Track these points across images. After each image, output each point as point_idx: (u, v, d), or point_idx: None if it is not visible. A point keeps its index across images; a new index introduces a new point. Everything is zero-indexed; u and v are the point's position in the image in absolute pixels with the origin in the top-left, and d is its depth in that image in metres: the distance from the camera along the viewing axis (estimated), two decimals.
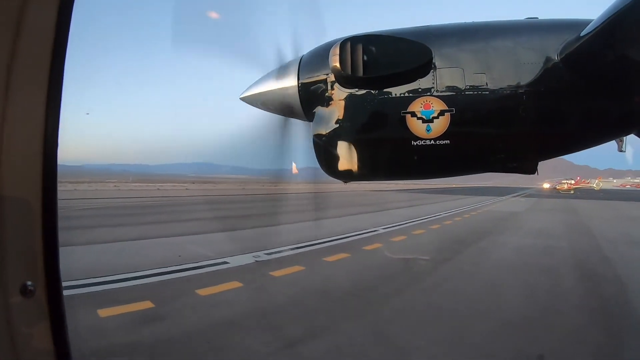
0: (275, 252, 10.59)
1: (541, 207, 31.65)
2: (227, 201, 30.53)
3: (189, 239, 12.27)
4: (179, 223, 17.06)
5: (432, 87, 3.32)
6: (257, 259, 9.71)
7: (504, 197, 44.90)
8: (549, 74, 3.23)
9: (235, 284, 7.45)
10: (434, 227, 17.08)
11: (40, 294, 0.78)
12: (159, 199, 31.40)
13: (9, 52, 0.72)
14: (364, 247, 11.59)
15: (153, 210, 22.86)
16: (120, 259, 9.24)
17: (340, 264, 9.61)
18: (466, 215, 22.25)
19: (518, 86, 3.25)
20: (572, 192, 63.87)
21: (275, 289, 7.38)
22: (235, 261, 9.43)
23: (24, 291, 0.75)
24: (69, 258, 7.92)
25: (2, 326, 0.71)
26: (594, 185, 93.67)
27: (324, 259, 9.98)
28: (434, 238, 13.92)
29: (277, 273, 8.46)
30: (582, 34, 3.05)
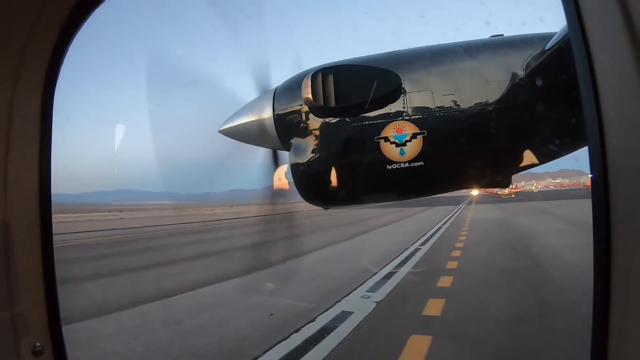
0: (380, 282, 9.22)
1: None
2: (208, 230, 27.80)
3: (239, 284, 9.79)
4: (197, 263, 13.86)
5: (404, 112, 3.51)
6: (375, 301, 7.74)
7: (457, 206, 45.23)
8: (516, 89, 3.46)
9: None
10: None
11: (48, 354, 0.86)
12: (120, 233, 26.86)
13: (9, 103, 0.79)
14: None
15: (136, 246, 19.36)
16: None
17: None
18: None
19: (487, 104, 3.46)
20: (513, 195, 65.94)
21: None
22: (355, 306, 7.46)
23: (34, 351, 0.83)
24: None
25: None
26: (533, 187, 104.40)
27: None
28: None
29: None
30: (547, 47, 3.29)
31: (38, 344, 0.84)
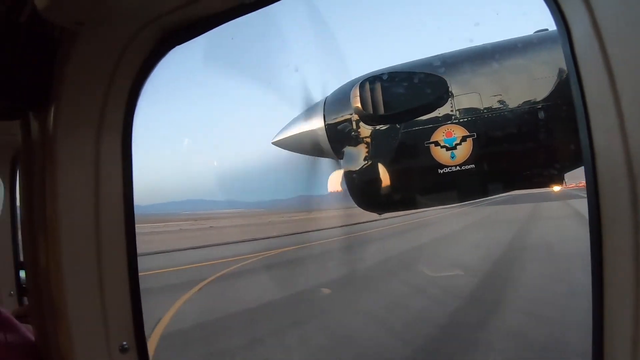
0: None
1: None
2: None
3: None
4: None
5: (452, 115, 3.68)
6: None
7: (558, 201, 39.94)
8: (565, 85, 3.51)
9: None
10: None
11: (133, 351, 0.95)
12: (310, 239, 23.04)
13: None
14: None
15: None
16: None
17: None
18: None
19: (536, 102, 3.55)
20: None
21: None
22: None
23: (121, 349, 0.92)
24: None
25: None
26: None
27: None
28: None
29: None
30: None
31: (125, 343, 0.93)
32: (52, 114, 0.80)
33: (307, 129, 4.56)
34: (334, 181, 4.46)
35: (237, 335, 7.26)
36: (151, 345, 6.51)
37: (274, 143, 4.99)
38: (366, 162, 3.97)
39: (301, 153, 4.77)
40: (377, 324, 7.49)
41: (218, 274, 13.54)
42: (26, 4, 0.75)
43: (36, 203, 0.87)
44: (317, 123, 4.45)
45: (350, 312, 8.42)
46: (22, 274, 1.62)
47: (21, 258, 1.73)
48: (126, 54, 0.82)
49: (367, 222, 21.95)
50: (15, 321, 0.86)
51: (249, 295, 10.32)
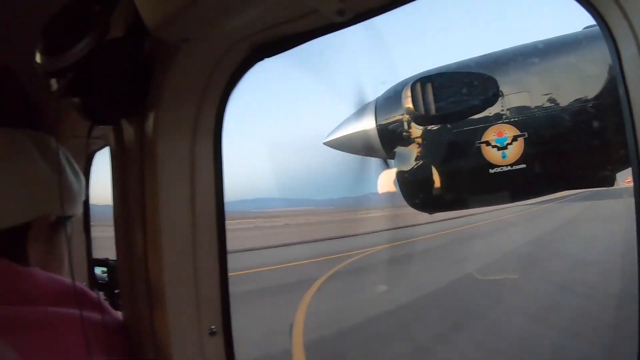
0: None
1: None
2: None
3: None
4: None
5: (503, 114, 3.71)
6: None
7: None
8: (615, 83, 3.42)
9: None
10: None
11: (220, 334, 1.02)
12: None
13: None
14: None
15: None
16: None
17: None
18: None
19: (587, 100, 3.50)
20: None
21: None
22: None
23: (210, 332, 0.99)
24: None
25: (197, 359, 0.98)
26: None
27: None
28: None
29: None
30: None
31: (213, 327, 0.99)
32: (150, 119, 0.89)
33: (358, 130, 4.71)
34: (384, 181, 4.59)
35: (401, 341, 6.47)
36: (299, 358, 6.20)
37: (325, 143, 5.18)
38: (417, 162, 4.08)
39: (353, 153, 4.93)
40: (541, 322, 6.82)
41: (329, 273, 12.57)
42: (136, 23, 0.83)
43: (132, 200, 0.96)
44: (368, 124, 4.59)
45: (504, 310, 7.52)
46: (98, 270, 1.68)
47: (95, 255, 1.81)
48: (218, 67, 0.91)
49: (459, 217, 21.19)
50: (108, 305, 0.94)
51: (378, 294, 9.51)
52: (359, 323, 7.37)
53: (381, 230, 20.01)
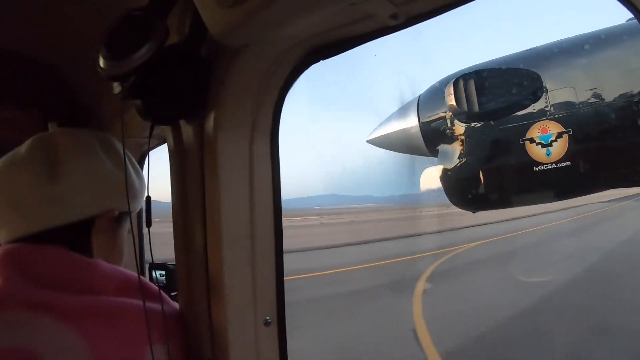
0: None
1: None
2: None
3: None
4: None
5: (547, 111, 3.64)
6: None
7: None
8: None
9: None
10: None
11: (273, 326, 1.04)
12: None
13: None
14: None
15: None
16: None
17: None
18: None
19: (632, 95, 3.38)
20: None
21: None
22: None
23: (265, 323, 1.02)
24: None
25: (252, 348, 1.01)
26: None
27: None
28: None
29: None
30: None
31: (268, 317, 1.02)
32: (210, 119, 0.93)
33: (401, 128, 4.74)
34: (428, 178, 4.61)
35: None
36: None
37: (368, 141, 5.24)
38: (460, 159, 4.09)
39: (396, 151, 4.97)
40: None
41: (426, 272, 11.50)
42: (195, 28, 0.89)
43: (192, 195, 1.00)
44: (411, 121, 4.62)
45: None
46: (156, 273, 1.71)
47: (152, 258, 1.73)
48: (275, 69, 0.94)
49: (544, 213, 19.93)
50: (166, 295, 0.99)
51: (501, 294, 8.32)
52: (500, 326, 6.51)
53: (457, 229, 19.38)
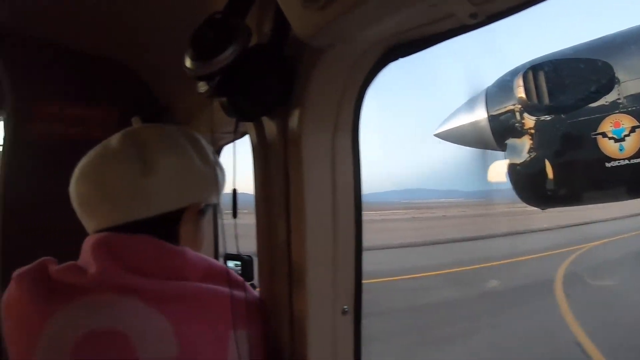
0: None
1: None
2: None
3: None
4: None
5: (620, 103, 3.48)
6: None
7: None
8: None
9: None
10: None
11: (350, 315, 1.07)
12: None
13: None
14: None
15: None
16: None
17: None
18: None
19: None
20: None
21: None
22: None
23: (343, 312, 1.05)
24: None
25: (329, 335, 1.04)
26: None
27: None
28: None
29: None
30: None
31: (345, 307, 1.05)
32: (294, 116, 0.96)
33: (469, 121, 4.71)
34: (495, 172, 4.55)
35: None
36: None
37: (436, 135, 5.24)
38: (530, 154, 4.02)
39: (464, 145, 4.94)
40: None
41: (558, 274, 10.27)
42: (278, 29, 0.94)
43: (275, 189, 1.04)
44: (479, 114, 4.57)
45: None
46: (231, 264, 1.73)
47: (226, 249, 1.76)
48: (356, 67, 0.96)
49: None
50: (248, 285, 1.03)
51: None
52: None
53: (564, 227, 17.67)
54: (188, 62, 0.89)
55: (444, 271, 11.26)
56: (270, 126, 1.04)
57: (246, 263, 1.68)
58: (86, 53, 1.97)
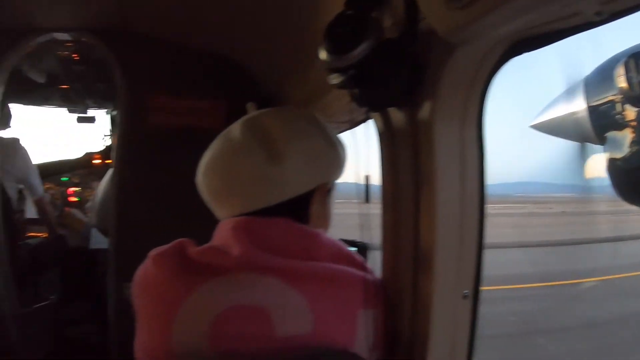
0: None
1: None
2: None
3: None
4: None
5: None
6: None
7: None
8: None
9: None
10: None
11: (470, 300, 1.08)
12: None
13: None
14: None
15: None
16: None
17: None
18: None
19: None
20: None
21: None
22: None
23: (464, 296, 1.07)
24: None
25: (450, 319, 1.06)
26: None
27: None
28: None
29: None
30: None
31: (466, 291, 1.07)
32: (424, 108, 0.99)
33: (566, 112, 4.51)
34: (593, 167, 4.32)
35: None
36: None
37: (532, 126, 5.06)
38: (632, 148, 3.80)
39: (562, 137, 4.73)
40: None
41: None
42: (409, 25, 0.98)
43: (403, 178, 1.09)
44: (577, 105, 4.37)
45: None
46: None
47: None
48: (483, 62, 0.98)
49: None
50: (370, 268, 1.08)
51: None
52: None
53: None
54: (324, 55, 0.94)
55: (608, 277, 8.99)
56: (397, 116, 1.08)
57: (360, 249, 1.66)
58: (193, 49, 2.12)
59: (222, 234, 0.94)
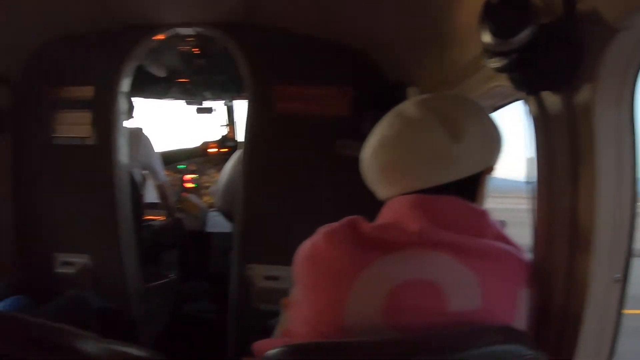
0: None
1: None
2: None
3: None
4: None
5: None
6: None
7: None
8: None
9: None
10: None
11: (619, 284, 1.05)
12: None
13: None
14: None
15: None
16: None
17: None
18: None
19: None
20: None
21: None
22: None
23: (616, 280, 1.04)
24: None
25: (602, 302, 1.03)
26: None
27: None
28: None
29: None
30: None
31: (617, 275, 1.05)
32: (583, 93, 0.97)
33: None
34: None
35: None
36: None
37: None
38: None
39: None
40: None
41: None
42: (570, 12, 0.97)
43: (560, 161, 1.08)
44: None
45: None
46: None
47: None
48: (637, 47, 0.96)
49: None
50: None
51: None
52: None
53: None
54: (487, 38, 0.95)
55: None
56: (552, 100, 1.08)
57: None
58: (316, 38, 2.17)
59: (397, 211, 0.95)
